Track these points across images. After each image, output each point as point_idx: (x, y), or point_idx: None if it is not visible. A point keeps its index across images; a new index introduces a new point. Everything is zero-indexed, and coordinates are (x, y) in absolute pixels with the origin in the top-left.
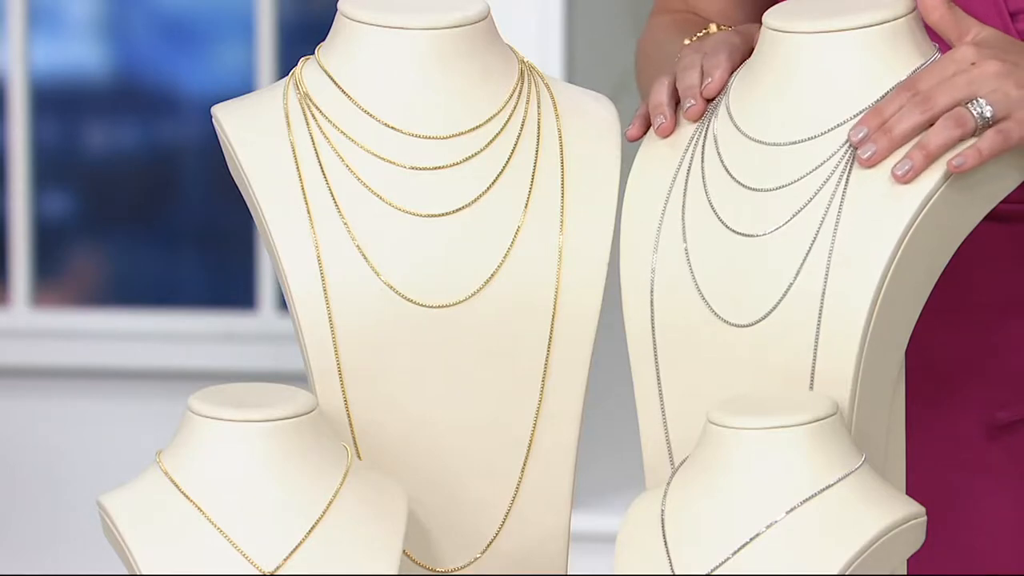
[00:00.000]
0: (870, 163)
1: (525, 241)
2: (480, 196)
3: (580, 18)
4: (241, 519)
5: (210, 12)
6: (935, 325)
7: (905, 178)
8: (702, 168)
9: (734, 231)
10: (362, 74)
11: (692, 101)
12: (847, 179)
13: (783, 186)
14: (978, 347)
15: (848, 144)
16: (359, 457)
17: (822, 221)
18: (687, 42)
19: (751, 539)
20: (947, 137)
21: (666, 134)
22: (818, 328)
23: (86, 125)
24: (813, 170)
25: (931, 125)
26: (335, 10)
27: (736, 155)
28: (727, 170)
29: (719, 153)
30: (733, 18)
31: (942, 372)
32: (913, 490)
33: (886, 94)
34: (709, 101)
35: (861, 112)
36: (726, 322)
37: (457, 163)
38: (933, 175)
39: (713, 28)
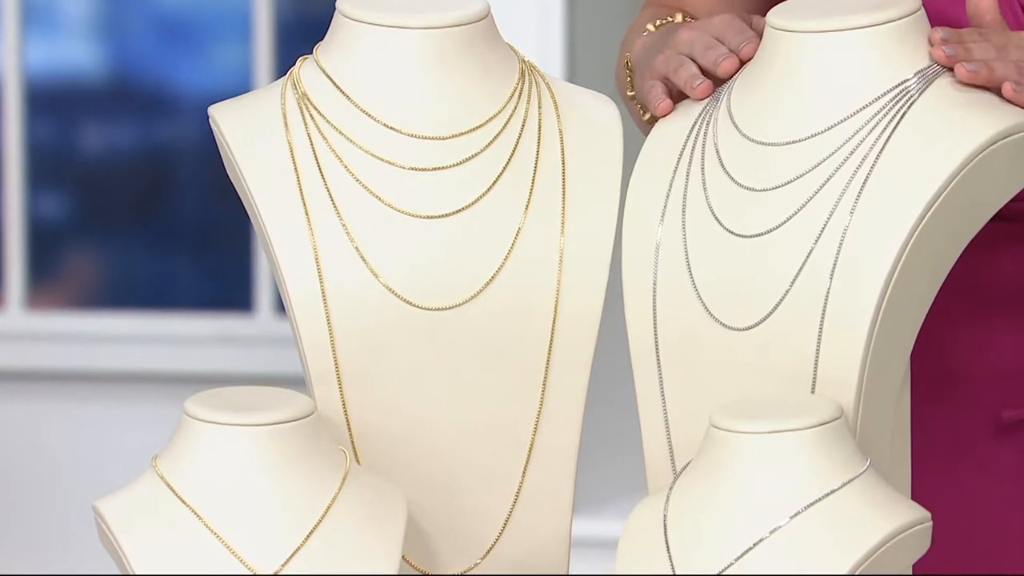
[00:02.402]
0: (950, 62)
1: (526, 243)
2: (480, 197)
3: (580, 18)
4: (238, 524)
5: (207, 11)
6: (940, 325)
7: (968, 76)
8: (702, 170)
9: (733, 233)
10: (361, 74)
11: (723, 55)
12: (850, 181)
13: (781, 185)
14: (983, 346)
15: (889, 95)
16: (358, 461)
17: (826, 222)
18: (650, 27)
19: (755, 544)
20: (1008, 74)
21: (705, 94)
22: (820, 330)
23: (82, 125)
24: (812, 168)
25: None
26: (334, 9)
27: (736, 156)
28: (727, 172)
29: (719, 155)
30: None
31: (947, 372)
32: (918, 490)
33: (886, 92)
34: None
35: (862, 109)
36: (725, 326)
37: (457, 163)
38: (938, 177)
39: (679, 17)
